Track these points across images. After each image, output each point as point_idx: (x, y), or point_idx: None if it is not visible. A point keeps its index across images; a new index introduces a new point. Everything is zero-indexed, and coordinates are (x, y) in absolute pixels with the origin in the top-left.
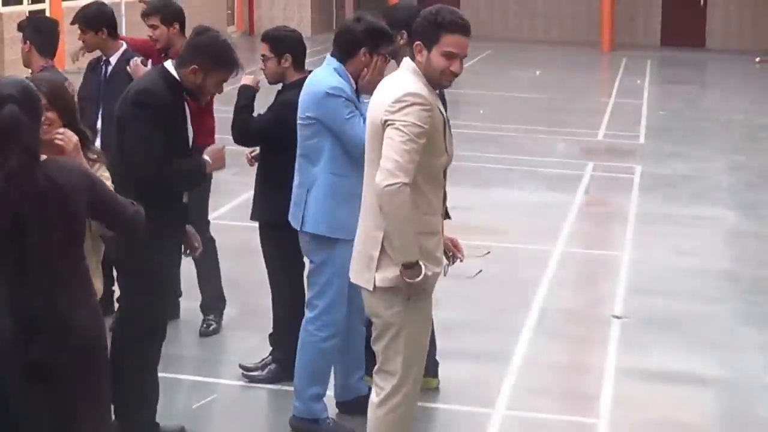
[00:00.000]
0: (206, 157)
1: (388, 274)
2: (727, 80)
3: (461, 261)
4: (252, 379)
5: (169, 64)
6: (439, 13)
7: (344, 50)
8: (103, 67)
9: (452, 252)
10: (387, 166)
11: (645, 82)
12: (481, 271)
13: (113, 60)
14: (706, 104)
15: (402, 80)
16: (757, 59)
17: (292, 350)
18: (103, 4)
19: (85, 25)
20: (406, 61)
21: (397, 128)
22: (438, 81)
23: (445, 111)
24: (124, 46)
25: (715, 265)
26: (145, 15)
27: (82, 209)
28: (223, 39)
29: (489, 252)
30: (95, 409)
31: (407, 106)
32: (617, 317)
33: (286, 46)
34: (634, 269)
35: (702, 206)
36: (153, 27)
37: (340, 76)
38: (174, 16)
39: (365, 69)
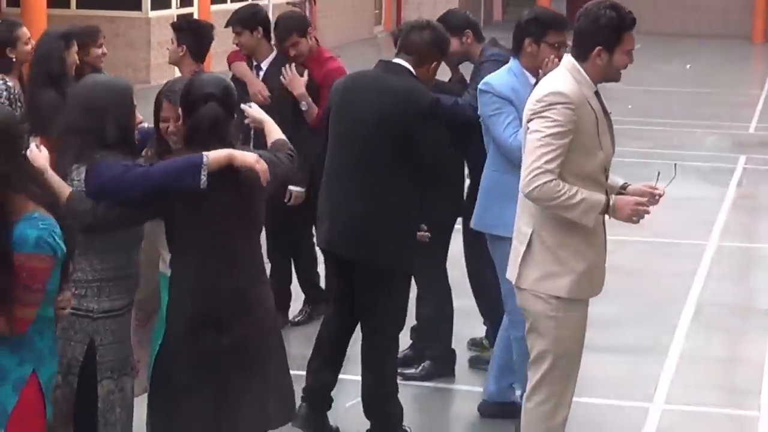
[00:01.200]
0: None
1: (531, 275)
2: None
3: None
4: (407, 377)
5: None
6: (620, 15)
7: (513, 46)
8: (255, 72)
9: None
10: (525, 171)
11: None
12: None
13: (264, 65)
14: None
15: (552, 79)
16: None
17: (445, 347)
18: (258, 4)
19: (241, 24)
20: (567, 57)
21: (537, 129)
22: (615, 77)
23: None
24: (275, 51)
25: None
26: (230, 23)
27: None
28: None
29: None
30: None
31: (548, 105)
32: None
33: None
34: None
35: None
36: (238, 33)
37: (514, 73)
38: (258, 22)
39: (544, 62)
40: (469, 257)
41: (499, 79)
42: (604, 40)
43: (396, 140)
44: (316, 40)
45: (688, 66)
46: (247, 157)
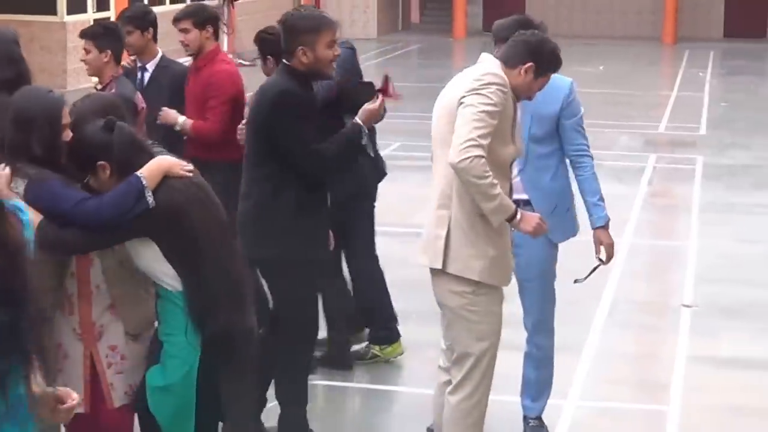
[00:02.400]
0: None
1: (457, 257)
2: None
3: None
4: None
5: None
6: (557, 49)
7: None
8: (140, 73)
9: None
10: (458, 141)
11: (707, 74)
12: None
13: (150, 67)
14: (767, 94)
15: (484, 65)
16: None
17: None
18: (148, 6)
19: (133, 24)
20: (490, 57)
21: (472, 104)
22: (519, 97)
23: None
24: (161, 53)
25: None
26: (177, 19)
27: None
28: None
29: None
30: None
31: (486, 84)
32: (687, 306)
33: None
34: (700, 258)
35: (764, 194)
36: (184, 31)
37: None
38: (149, 23)
39: None
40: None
41: None
42: (542, 63)
43: (258, 137)
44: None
45: (600, 67)
46: (173, 165)
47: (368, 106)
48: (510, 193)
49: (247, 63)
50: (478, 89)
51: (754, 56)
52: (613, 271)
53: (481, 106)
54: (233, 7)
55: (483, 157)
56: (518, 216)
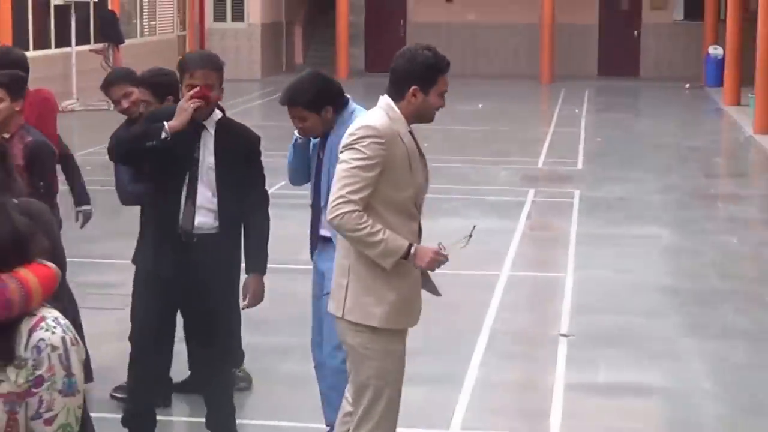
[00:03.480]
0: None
1: (355, 306)
2: (658, 106)
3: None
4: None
5: None
6: (436, 57)
7: None
8: None
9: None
10: (330, 199)
11: (582, 111)
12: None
13: None
14: (639, 129)
15: (367, 115)
16: (687, 86)
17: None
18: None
19: None
20: (382, 98)
21: (345, 160)
22: (426, 118)
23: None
24: None
25: (655, 280)
26: None
27: None
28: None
29: (474, 227)
30: None
31: (358, 139)
32: (564, 335)
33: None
34: (578, 288)
35: (638, 226)
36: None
37: None
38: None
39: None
40: None
41: None
42: (420, 81)
43: None
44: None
45: (480, 105)
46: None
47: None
48: (419, 231)
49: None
50: (351, 144)
51: (627, 93)
52: (492, 303)
53: (353, 161)
54: (118, 50)
55: (355, 210)
56: (412, 252)
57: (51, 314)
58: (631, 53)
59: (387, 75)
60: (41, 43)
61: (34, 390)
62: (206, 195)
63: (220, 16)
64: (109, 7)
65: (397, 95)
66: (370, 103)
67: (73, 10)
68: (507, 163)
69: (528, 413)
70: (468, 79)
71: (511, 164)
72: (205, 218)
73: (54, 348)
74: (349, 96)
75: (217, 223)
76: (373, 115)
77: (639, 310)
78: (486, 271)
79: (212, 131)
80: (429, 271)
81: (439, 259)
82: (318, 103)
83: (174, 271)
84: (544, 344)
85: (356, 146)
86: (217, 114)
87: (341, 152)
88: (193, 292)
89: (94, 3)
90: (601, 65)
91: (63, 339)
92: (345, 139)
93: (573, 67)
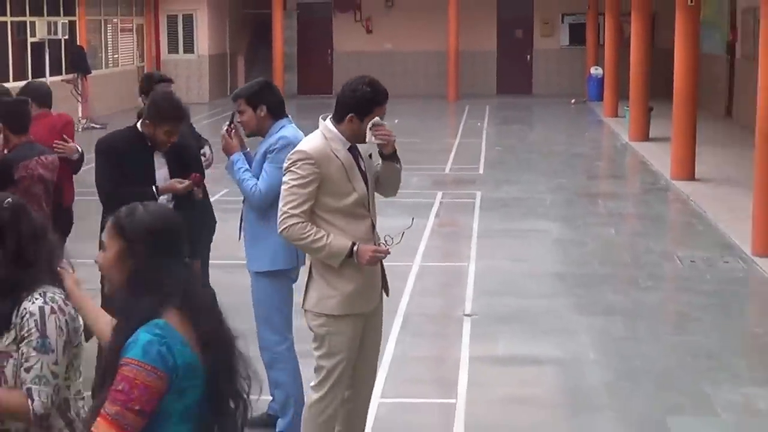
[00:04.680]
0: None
1: (312, 297)
2: (548, 119)
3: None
4: None
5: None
6: (374, 92)
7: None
8: None
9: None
10: (278, 215)
11: (484, 124)
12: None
13: None
14: (532, 139)
15: (304, 140)
16: (572, 101)
17: None
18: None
19: None
20: (321, 120)
21: (285, 182)
22: (359, 139)
23: (359, 157)
24: None
25: (547, 267)
26: None
27: None
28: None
29: (410, 226)
30: None
31: (292, 162)
32: (468, 315)
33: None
34: (480, 275)
35: (532, 221)
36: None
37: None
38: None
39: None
40: None
41: None
42: (357, 111)
43: None
44: None
45: (396, 121)
46: None
47: (176, 185)
48: (373, 228)
49: (98, 126)
50: (288, 168)
51: (522, 108)
52: (406, 289)
53: (291, 182)
54: (86, 80)
55: (298, 222)
56: (355, 250)
57: (43, 289)
58: (525, 74)
59: (315, 97)
60: (19, 75)
61: (16, 346)
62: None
63: (173, 48)
64: (78, 43)
65: (338, 119)
66: (302, 120)
67: (47, 46)
68: (419, 170)
69: (438, 383)
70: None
71: (422, 171)
72: None
73: (32, 314)
74: (288, 116)
75: None
76: (307, 140)
77: (533, 292)
78: (400, 262)
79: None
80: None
81: (377, 255)
82: (255, 99)
83: None
84: (451, 323)
85: (292, 168)
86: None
87: (284, 174)
88: None
89: (65, 39)
90: (500, 85)
91: (41, 308)
92: (285, 164)
93: (475, 87)
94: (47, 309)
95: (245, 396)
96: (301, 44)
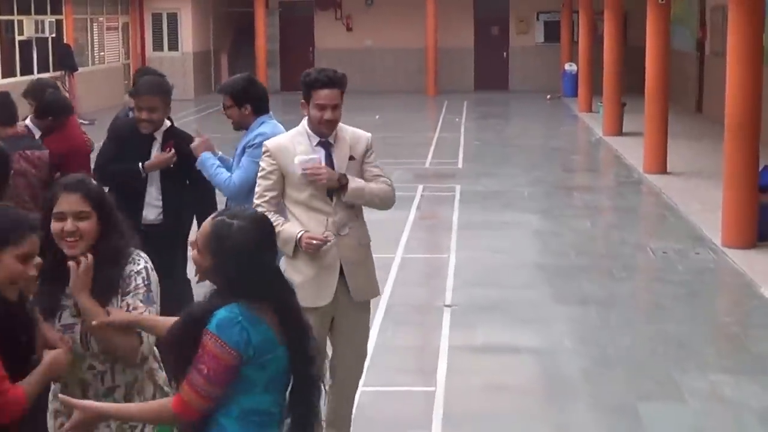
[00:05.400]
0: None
1: None
2: (525, 114)
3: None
4: None
5: None
6: (308, 74)
7: None
8: None
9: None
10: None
11: (462, 119)
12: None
13: None
14: (510, 133)
15: (276, 135)
16: (548, 96)
17: None
18: None
19: None
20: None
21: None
22: (319, 130)
23: (331, 153)
24: None
25: (525, 258)
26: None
27: None
28: None
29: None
30: None
31: (261, 155)
32: (448, 306)
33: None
34: (460, 267)
35: (511, 213)
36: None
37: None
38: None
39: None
40: None
41: None
42: (304, 95)
43: None
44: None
45: (377, 116)
46: None
47: (160, 158)
48: (336, 225)
49: (86, 122)
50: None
51: (499, 104)
52: (388, 280)
53: (258, 173)
54: (73, 77)
55: (262, 207)
56: (298, 236)
57: (137, 253)
58: (502, 70)
59: (298, 94)
60: (8, 72)
61: (124, 299)
62: (152, 193)
63: (158, 46)
64: (65, 41)
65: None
66: (285, 115)
67: (34, 44)
68: (400, 164)
69: (420, 371)
70: (366, 95)
71: (403, 165)
72: (152, 212)
73: (138, 273)
74: (271, 113)
75: (161, 215)
76: (278, 135)
77: (512, 283)
78: (383, 254)
79: (160, 139)
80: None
81: (313, 243)
82: (240, 98)
83: None
84: (432, 313)
85: (258, 160)
86: (166, 124)
87: None
88: None
89: (52, 38)
90: (477, 81)
91: (145, 267)
92: None
93: (454, 82)
94: (149, 267)
95: (319, 375)
96: (283, 41)
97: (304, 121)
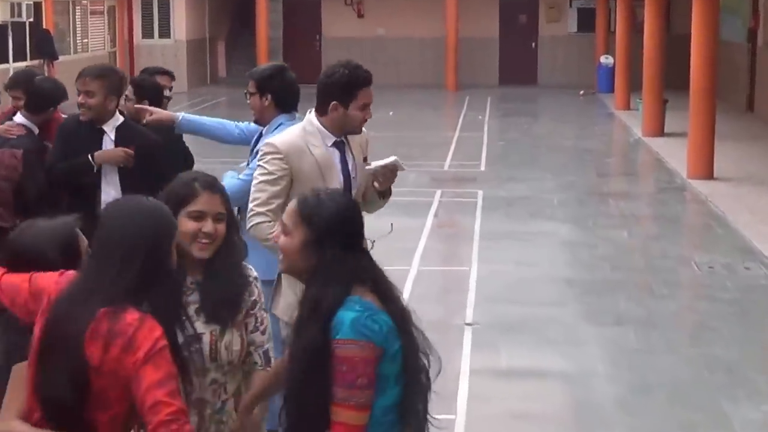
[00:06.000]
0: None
1: (280, 304)
2: (556, 111)
3: None
4: None
5: None
6: (344, 72)
7: None
8: None
9: None
10: (247, 211)
11: (485, 117)
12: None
13: None
14: (538, 133)
15: (282, 133)
16: (581, 92)
17: None
18: None
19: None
20: (307, 114)
21: (255, 177)
22: (353, 130)
23: (346, 154)
24: None
25: (553, 272)
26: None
27: None
28: None
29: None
30: None
31: (261, 156)
32: (470, 324)
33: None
34: (482, 281)
35: (538, 222)
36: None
37: None
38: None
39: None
40: None
41: None
42: (339, 97)
43: None
44: None
45: (390, 113)
46: None
47: (117, 153)
48: None
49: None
50: (259, 161)
51: (526, 100)
52: (404, 295)
53: (259, 177)
54: (53, 66)
55: (264, 221)
56: None
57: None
58: (530, 63)
59: (302, 86)
60: None
61: (251, 311)
62: (110, 194)
63: (148, 33)
64: (44, 26)
65: (321, 110)
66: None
67: (10, 29)
68: (416, 166)
69: (438, 396)
70: (379, 89)
71: (419, 167)
72: None
73: (256, 278)
74: (298, 114)
75: None
76: (283, 132)
77: (539, 300)
78: (397, 266)
79: (112, 136)
80: None
81: None
82: (264, 85)
83: None
84: (451, 332)
85: (261, 163)
86: (119, 119)
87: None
88: None
89: (30, 22)
90: (502, 74)
91: (255, 276)
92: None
93: (476, 76)
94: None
95: (428, 370)
96: (287, 29)
97: (313, 118)
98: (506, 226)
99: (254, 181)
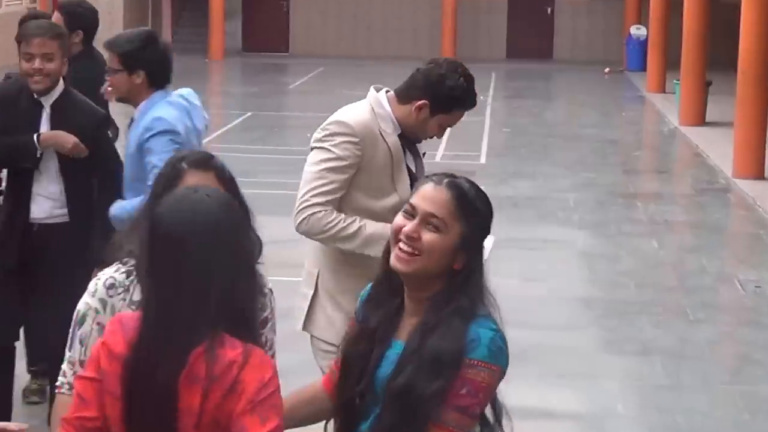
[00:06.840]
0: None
1: (317, 321)
2: (575, 93)
3: None
4: None
5: None
6: (465, 92)
7: None
8: None
9: None
10: (296, 203)
11: (488, 98)
12: None
13: None
14: (553, 119)
15: (343, 110)
16: (606, 70)
17: None
18: None
19: None
20: (372, 91)
21: (312, 161)
22: (415, 138)
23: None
24: None
25: (567, 290)
26: None
27: None
28: None
29: None
30: None
31: (329, 135)
32: None
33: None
34: None
35: (549, 228)
36: None
37: None
38: None
39: None
40: None
41: None
42: (436, 102)
43: None
44: None
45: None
46: None
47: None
48: None
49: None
50: (322, 141)
51: (539, 77)
52: None
53: (322, 164)
54: None
55: (319, 211)
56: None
57: None
58: (544, 34)
59: (267, 56)
60: None
61: (261, 331)
62: (44, 186)
63: None
64: None
65: (404, 98)
66: (249, 86)
67: None
68: None
69: None
70: (359, 61)
71: None
72: (42, 206)
73: (271, 291)
74: (169, 90)
75: (65, 211)
76: (351, 110)
77: (548, 323)
78: None
79: (48, 109)
80: None
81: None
82: (134, 60)
83: (18, 261)
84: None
85: (327, 145)
86: (57, 91)
87: (311, 148)
88: (36, 284)
89: None
90: (510, 47)
91: (270, 288)
92: (317, 132)
93: (478, 48)
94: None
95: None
96: None
97: (383, 100)
98: (510, 232)
99: (313, 168)
